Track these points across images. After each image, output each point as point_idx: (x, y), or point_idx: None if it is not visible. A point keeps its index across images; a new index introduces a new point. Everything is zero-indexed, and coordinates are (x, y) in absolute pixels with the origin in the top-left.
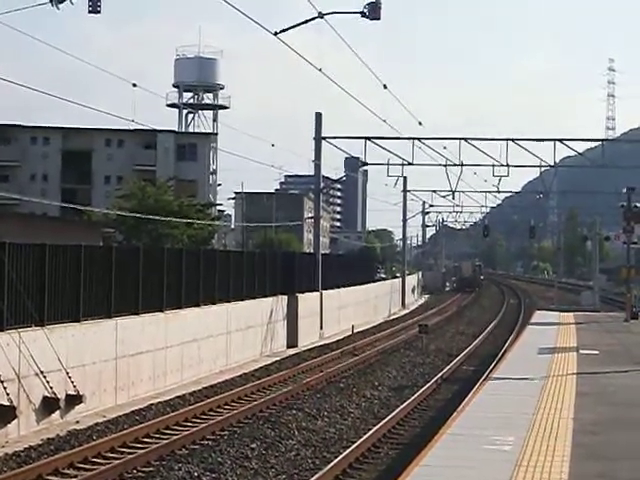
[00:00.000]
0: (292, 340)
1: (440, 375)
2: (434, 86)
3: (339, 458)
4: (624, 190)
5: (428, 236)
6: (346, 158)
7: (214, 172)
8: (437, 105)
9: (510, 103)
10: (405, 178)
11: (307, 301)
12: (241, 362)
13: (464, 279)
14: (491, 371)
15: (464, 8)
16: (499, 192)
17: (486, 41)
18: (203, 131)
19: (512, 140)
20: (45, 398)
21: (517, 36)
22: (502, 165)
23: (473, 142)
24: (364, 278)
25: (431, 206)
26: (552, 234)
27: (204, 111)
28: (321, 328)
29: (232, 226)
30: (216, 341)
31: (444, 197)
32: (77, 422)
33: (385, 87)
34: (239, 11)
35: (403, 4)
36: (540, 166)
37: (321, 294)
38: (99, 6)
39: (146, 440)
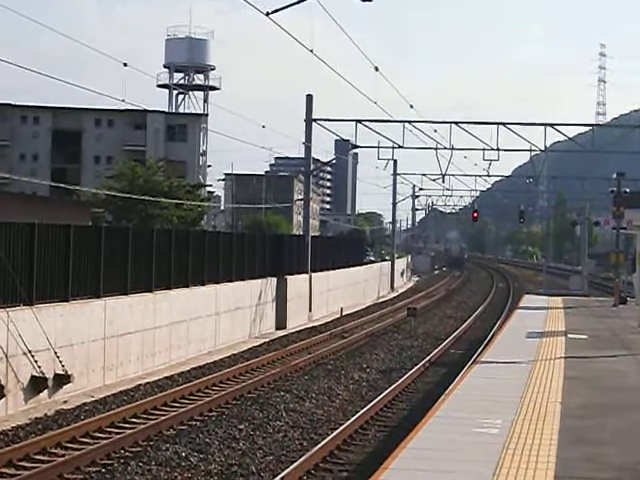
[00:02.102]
0: (281, 322)
1: (428, 358)
2: (427, 74)
3: (327, 440)
4: (614, 175)
5: (418, 219)
6: (336, 140)
7: (204, 153)
8: (429, 93)
9: (503, 89)
10: (395, 161)
11: (296, 283)
12: (230, 343)
13: (453, 257)
14: (479, 354)
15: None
16: (489, 176)
17: (479, 29)
18: (193, 112)
19: (503, 124)
20: (33, 377)
21: (511, 23)
22: (492, 149)
23: (464, 126)
24: (353, 261)
25: (421, 189)
26: (541, 219)
27: (194, 92)
28: (310, 310)
29: (222, 207)
30: (205, 322)
31: (434, 180)
32: (65, 402)
33: (377, 69)
34: None
35: None
36: (530, 150)
37: (310, 276)
38: None
39: (134, 420)
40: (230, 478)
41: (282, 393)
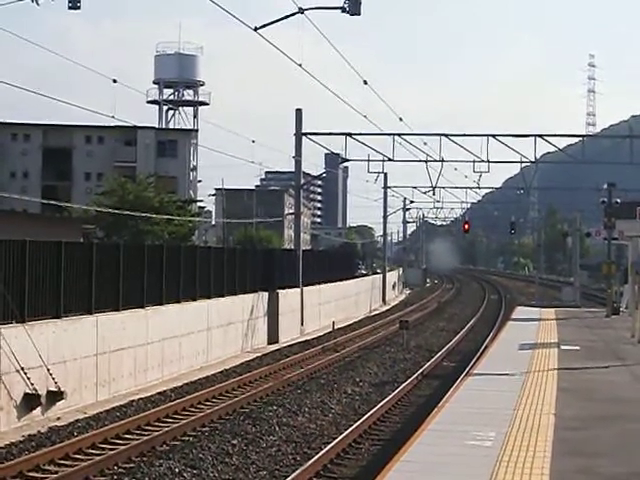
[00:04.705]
0: (273, 336)
1: (421, 371)
2: (416, 84)
3: (320, 454)
4: (604, 186)
5: (409, 232)
6: (326, 154)
7: (194, 168)
8: (419, 103)
9: (492, 100)
10: (385, 174)
11: (288, 297)
12: (222, 358)
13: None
14: (472, 367)
15: (448, 7)
16: (480, 188)
17: (468, 40)
18: (183, 127)
19: (492, 136)
20: (26, 394)
21: (500, 34)
22: (482, 161)
23: (454, 138)
24: (345, 274)
25: (412, 202)
26: (533, 230)
27: (184, 107)
28: (302, 324)
29: (213, 222)
30: (197, 337)
31: (425, 193)
32: (58, 418)
33: (365, 83)
34: (219, 6)
35: (387, 2)
36: (521, 162)
37: (302, 290)
38: (79, 2)
39: (127, 436)
40: None
41: (275, 408)
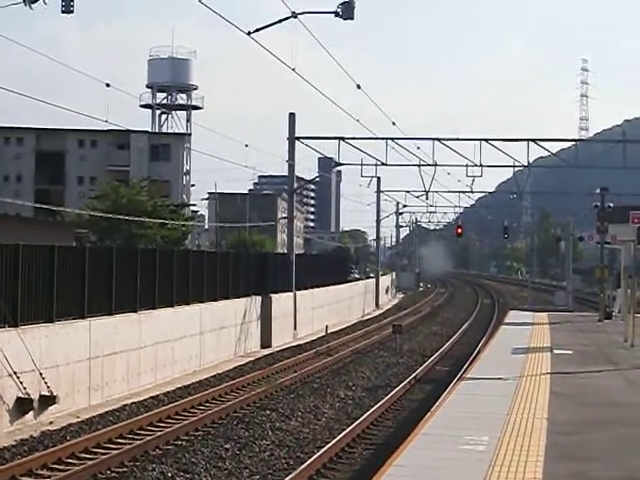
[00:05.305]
0: (266, 340)
1: (414, 375)
2: (410, 86)
3: (313, 458)
4: (597, 190)
5: (402, 236)
6: (320, 158)
7: (187, 172)
8: (412, 105)
9: (487, 101)
10: (379, 178)
11: (281, 301)
12: (215, 362)
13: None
14: (465, 371)
15: (442, 9)
16: (473, 192)
17: (463, 42)
18: (177, 131)
19: (485, 140)
20: (19, 399)
21: (495, 36)
22: (475, 165)
23: (447, 142)
24: (338, 278)
25: (405, 206)
26: (526, 234)
27: (177, 111)
28: (295, 328)
29: (206, 226)
30: (190, 341)
31: (418, 197)
32: (51, 423)
33: (359, 87)
34: (212, 10)
35: (381, 4)
36: (514, 166)
37: (295, 294)
38: (72, 5)
39: (120, 441)
40: None
41: (268, 412)
